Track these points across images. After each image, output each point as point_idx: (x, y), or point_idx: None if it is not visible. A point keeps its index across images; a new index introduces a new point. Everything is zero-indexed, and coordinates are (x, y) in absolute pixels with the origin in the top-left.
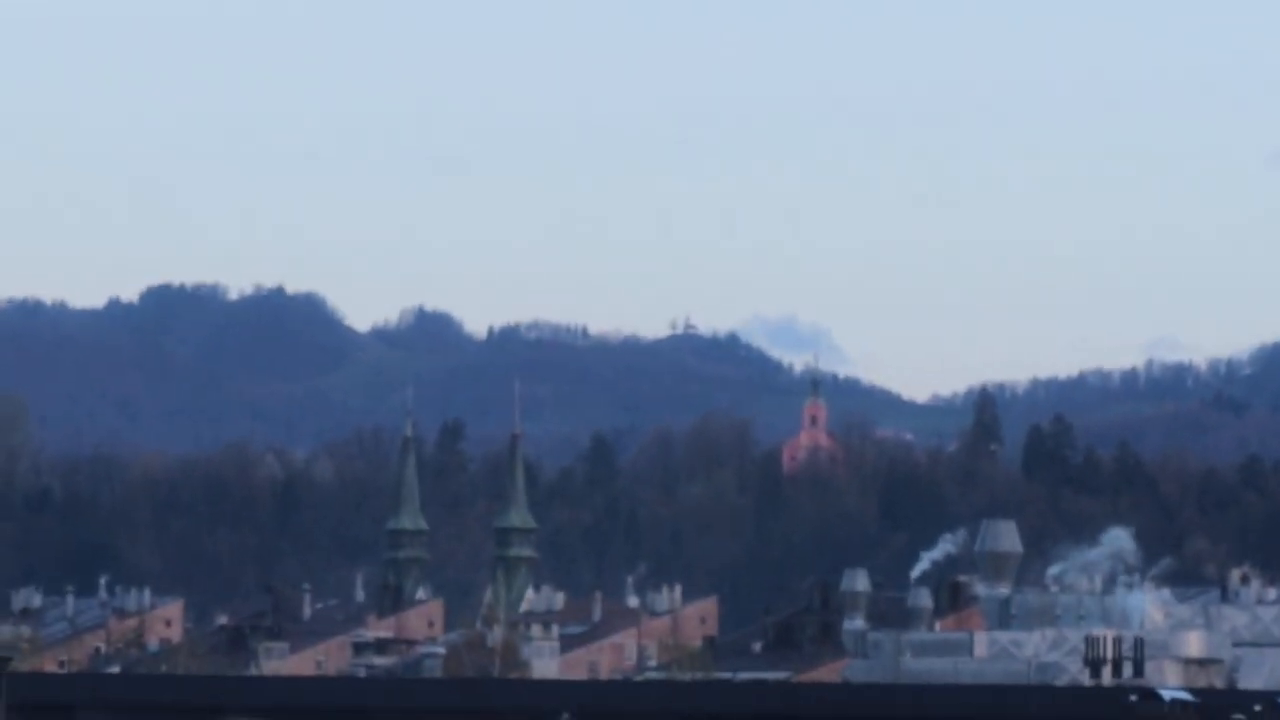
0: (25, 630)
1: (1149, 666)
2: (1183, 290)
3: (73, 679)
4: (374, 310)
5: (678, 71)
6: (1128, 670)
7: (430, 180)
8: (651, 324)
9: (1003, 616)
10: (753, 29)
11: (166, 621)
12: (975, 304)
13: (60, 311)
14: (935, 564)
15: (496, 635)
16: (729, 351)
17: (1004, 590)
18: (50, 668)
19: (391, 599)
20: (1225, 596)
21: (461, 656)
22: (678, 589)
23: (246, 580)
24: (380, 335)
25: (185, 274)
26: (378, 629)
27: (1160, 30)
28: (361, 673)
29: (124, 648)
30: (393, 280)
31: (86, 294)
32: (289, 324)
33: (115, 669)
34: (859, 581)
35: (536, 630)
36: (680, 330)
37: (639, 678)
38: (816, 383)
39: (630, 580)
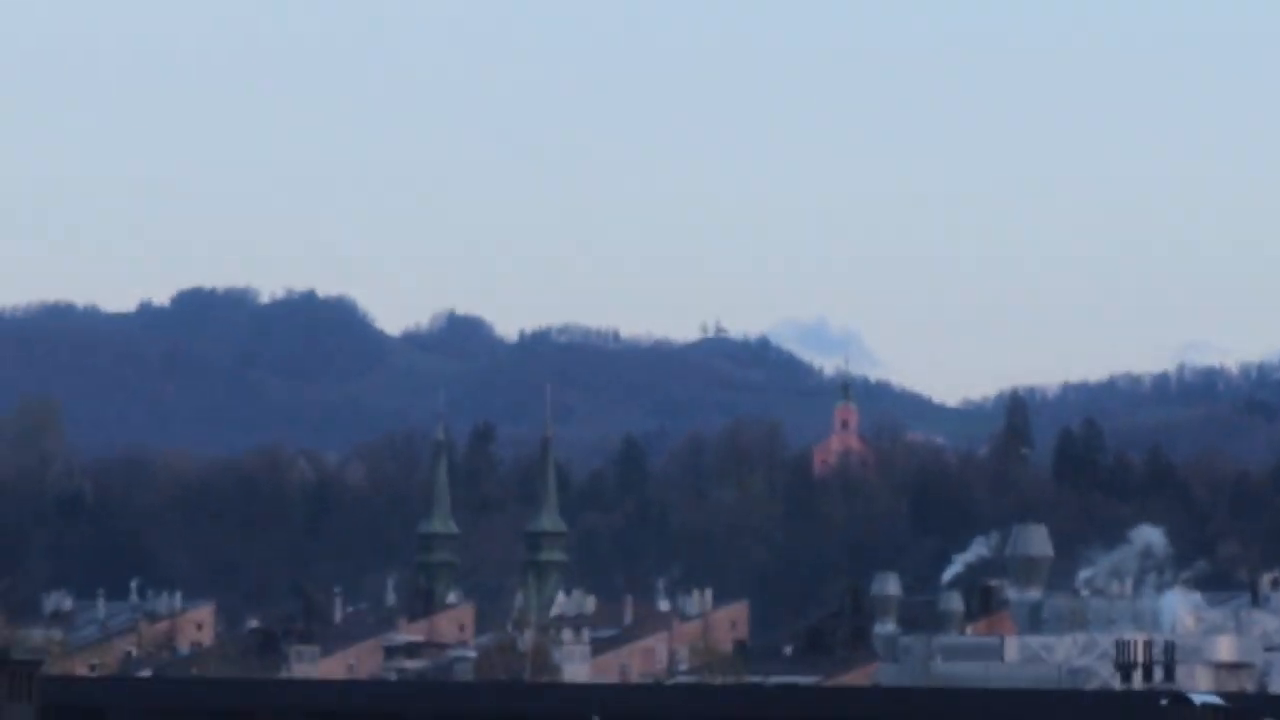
0: (56, 634)
1: (1180, 671)
2: (1214, 294)
3: (103, 682)
4: (405, 314)
5: (708, 75)
6: (1158, 674)
7: (460, 184)
8: (682, 328)
9: (1033, 621)
10: (784, 30)
11: (198, 625)
12: (1006, 307)
13: (92, 315)
14: (968, 566)
15: (527, 639)
16: (759, 355)
17: (1035, 594)
18: (81, 671)
19: (423, 602)
20: (1256, 600)
21: (492, 660)
22: (709, 593)
23: (278, 584)
24: (411, 339)
25: (216, 277)
26: (409, 632)
27: (1184, 30)
28: (393, 676)
29: (155, 651)
30: (424, 284)
31: (118, 297)
32: (320, 327)
33: (146, 672)
34: (890, 585)
35: (567, 634)
36: (711, 334)
37: (670, 682)
38: (847, 386)
39: (661, 584)
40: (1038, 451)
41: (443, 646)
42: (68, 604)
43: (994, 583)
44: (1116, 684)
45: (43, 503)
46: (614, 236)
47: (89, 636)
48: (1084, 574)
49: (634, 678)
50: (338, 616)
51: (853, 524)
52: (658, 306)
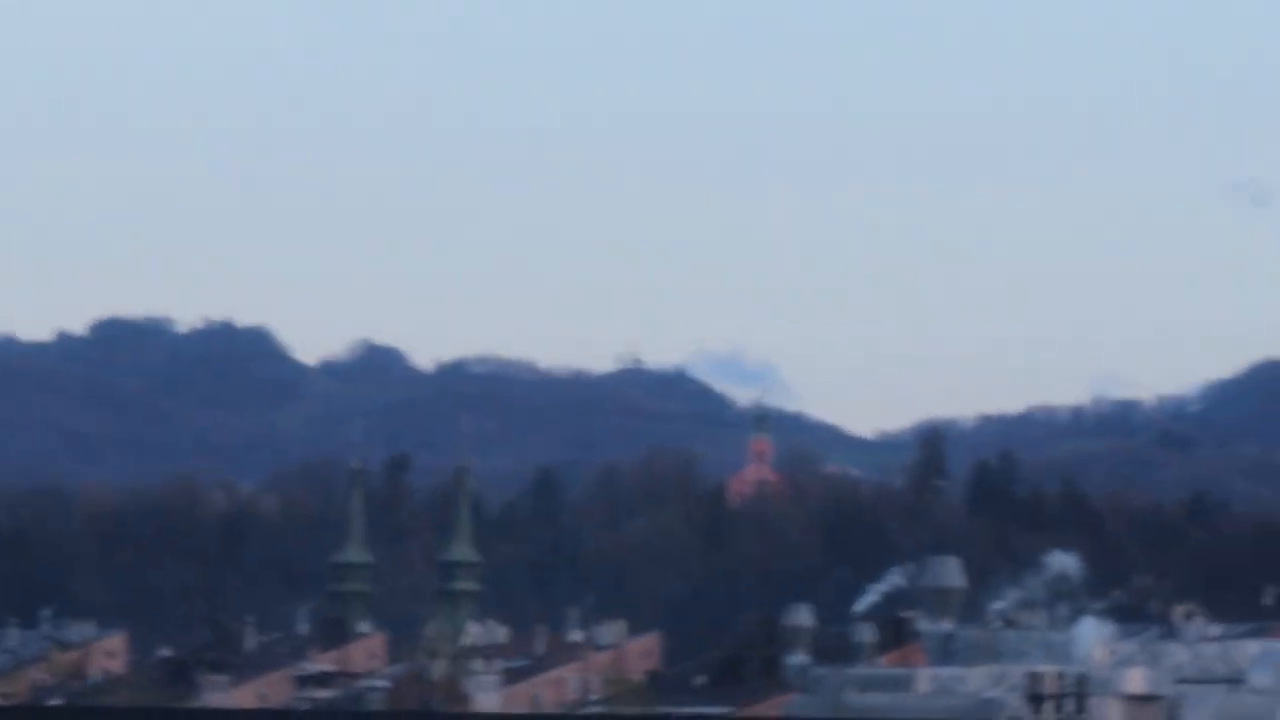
0: None
1: (1091, 703)
2: (1128, 327)
3: (13, 711)
4: (322, 344)
5: (620, 107)
6: (1069, 706)
7: (377, 214)
8: (598, 359)
9: (946, 652)
10: (694, 65)
11: (109, 654)
12: (921, 340)
13: (8, 344)
14: (884, 596)
15: (439, 669)
16: (675, 386)
17: (947, 626)
18: None
19: (335, 632)
20: (1169, 633)
21: (404, 690)
22: (622, 623)
23: (191, 613)
24: (328, 369)
25: (134, 307)
26: (321, 662)
27: (1106, 62)
28: (304, 706)
29: (66, 680)
30: (340, 314)
31: (35, 327)
32: (237, 357)
33: (57, 701)
34: (803, 617)
35: (479, 664)
36: (627, 365)
37: (582, 712)
38: (763, 418)
39: (574, 614)
40: (953, 483)
41: (355, 676)
42: None
43: (906, 614)
44: (1028, 716)
45: None
46: (530, 267)
47: (0, 665)
48: (996, 605)
49: (546, 708)
50: (249, 646)
51: (767, 555)
52: (573, 338)
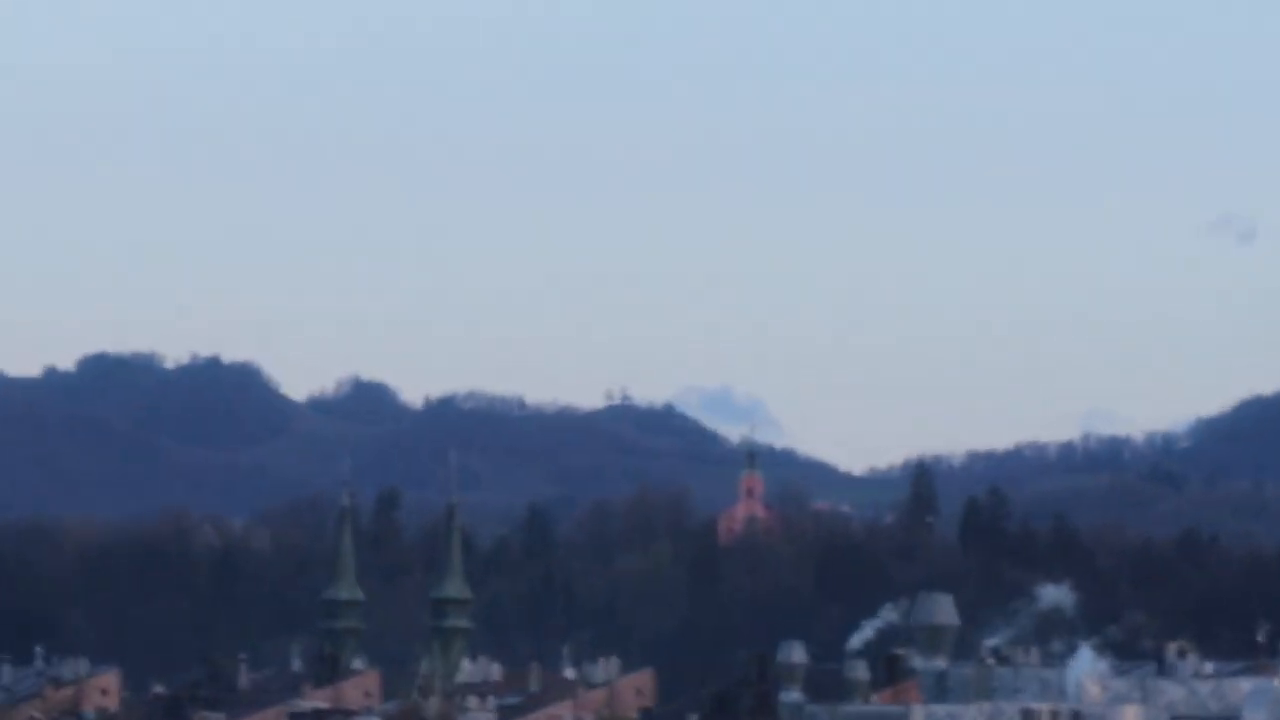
0: None
1: None
2: (1119, 363)
3: None
4: (310, 380)
5: (608, 141)
6: None
7: (365, 251)
8: (587, 395)
9: (940, 689)
10: (682, 94)
11: (103, 690)
12: (912, 376)
13: None
14: (878, 632)
15: (433, 706)
16: (665, 422)
17: (940, 663)
18: None
19: (328, 669)
20: (1162, 670)
21: None
22: (614, 660)
23: (183, 649)
24: (317, 405)
25: (121, 343)
26: (314, 699)
27: (1094, 102)
28: None
29: (60, 717)
30: (329, 350)
31: (22, 363)
32: (225, 393)
33: None
34: (795, 653)
35: (473, 701)
36: (616, 401)
37: None
38: (753, 454)
39: (566, 651)
40: (944, 520)
41: (349, 713)
42: None
43: (900, 651)
44: None
45: None
46: (519, 304)
47: None
48: (989, 642)
49: None
50: (243, 683)
51: (758, 592)
52: (563, 374)
